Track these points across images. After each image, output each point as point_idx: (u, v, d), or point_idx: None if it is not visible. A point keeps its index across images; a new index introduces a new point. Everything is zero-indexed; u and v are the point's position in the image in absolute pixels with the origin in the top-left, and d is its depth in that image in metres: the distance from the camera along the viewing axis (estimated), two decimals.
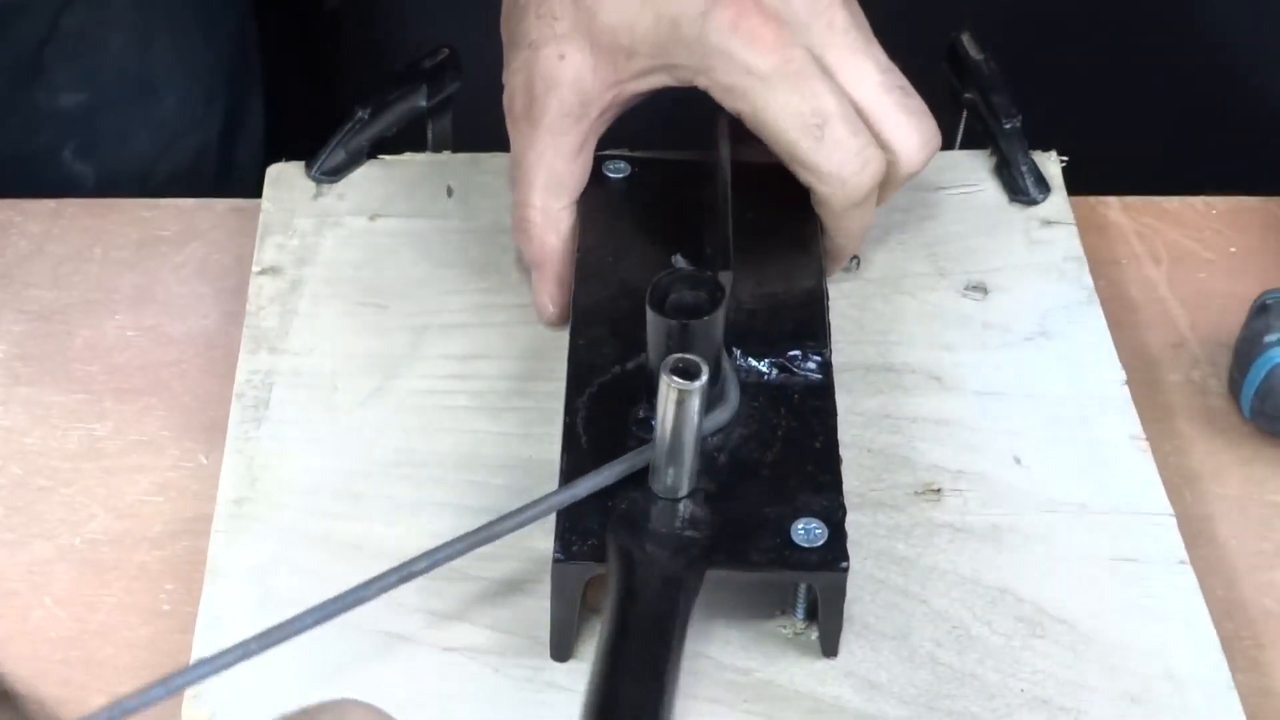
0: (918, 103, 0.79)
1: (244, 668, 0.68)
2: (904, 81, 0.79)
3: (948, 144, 0.92)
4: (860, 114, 0.77)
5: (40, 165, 0.97)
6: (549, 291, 0.81)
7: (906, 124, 0.78)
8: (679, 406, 0.65)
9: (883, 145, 0.77)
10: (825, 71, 0.76)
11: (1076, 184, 0.90)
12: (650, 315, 0.68)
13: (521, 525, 0.68)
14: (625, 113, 0.85)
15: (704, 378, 0.65)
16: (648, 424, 0.70)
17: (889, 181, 0.79)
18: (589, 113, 0.79)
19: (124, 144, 0.92)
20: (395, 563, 0.72)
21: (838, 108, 0.76)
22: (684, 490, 0.68)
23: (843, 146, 0.76)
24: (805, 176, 0.78)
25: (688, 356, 0.65)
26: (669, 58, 0.77)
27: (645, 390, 0.70)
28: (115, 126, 0.97)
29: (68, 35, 0.95)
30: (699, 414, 0.66)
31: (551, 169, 0.80)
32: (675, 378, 0.65)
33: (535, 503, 0.68)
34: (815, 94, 0.76)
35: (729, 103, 0.77)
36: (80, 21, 0.96)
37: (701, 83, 0.77)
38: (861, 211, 0.79)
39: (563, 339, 0.76)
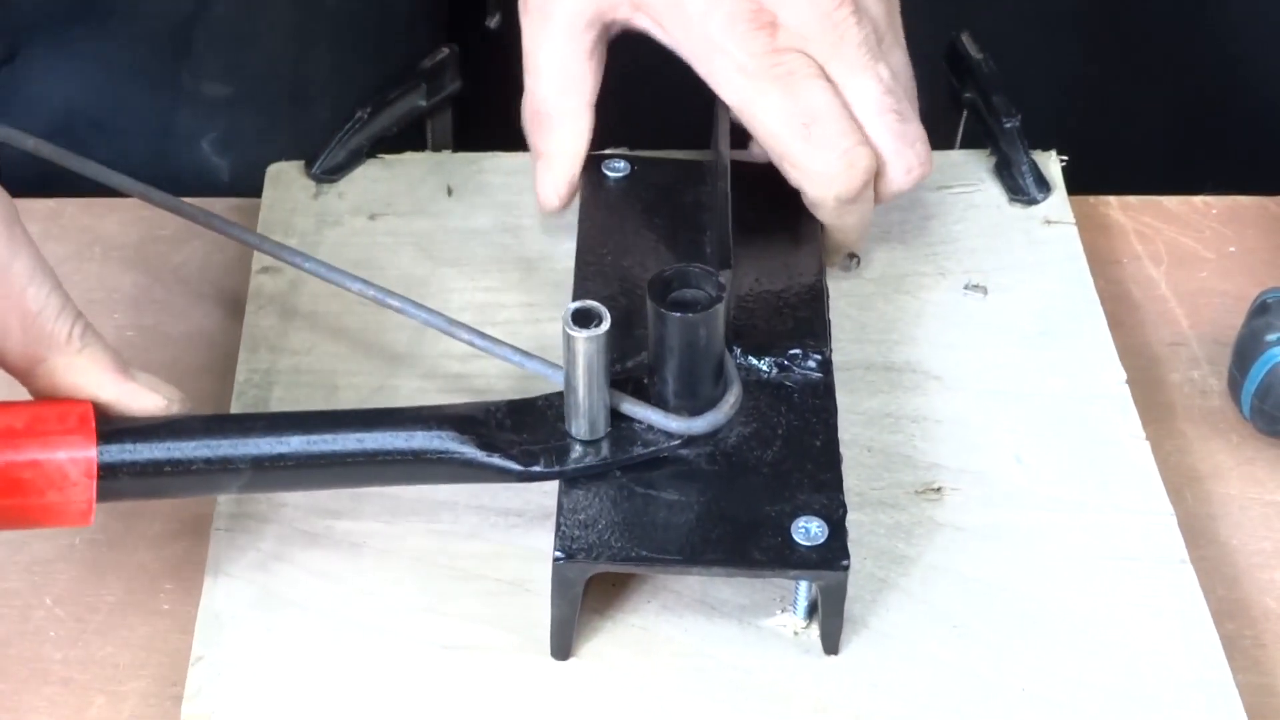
0: (915, 128, 0.79)
1: (244, 669, 0.69)
2: (904, 105, 0.79)
3: (948, 144, 0.93)
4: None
5: (177, 149, 0.97)
6: (554, 185, 0.82)
7: (896, 147, 0.78)
8: (577, 354, 0.67)
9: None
10: (825, 78, 0.76)
11: (1076, 183, 0.90)
12: (651, 309, 0.68)
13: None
14: (625, 113, 0.85)
15: (604, 325, 0.67)
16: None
17: (877, 194, 0.79)
18: (601, 18, 0.80)
19: (267, 146, 0.91)
20: (395, 561, 0.72)
21: (827, 108, 0.76)
22: (599, 434, 0.70)
23: (830, 146, 0.77)
24: (794, 175, 0.78)
25: (590, 303, 0.67)
26: (673, 13, 0.78)
27: (646, 388, 0.71)
28: (258, 127, 0.96)
29: (219, 20, 0.94)
30: (602, 360, 0.67)
31: (565, 66, 0.80)
32: (574, 326, 0.67)
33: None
34: (805, 95, 0.76)
35: (720, 93, 0.77)
36: (232, 9, 0.95)
37: (697, 67, 0.78)
38: (856, 210, 0.79)
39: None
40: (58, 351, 0.66)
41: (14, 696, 0.70)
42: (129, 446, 0.66)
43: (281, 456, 0.68)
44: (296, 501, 0.74)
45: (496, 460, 0.69)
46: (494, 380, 0.79)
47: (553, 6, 0.80)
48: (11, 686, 0.71)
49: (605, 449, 0.70)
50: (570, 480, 0.69)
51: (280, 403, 0.78)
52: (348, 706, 0.68)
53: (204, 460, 0.67)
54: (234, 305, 0.84)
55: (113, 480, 0.66)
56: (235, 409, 0.78)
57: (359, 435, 0.68)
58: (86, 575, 0.74)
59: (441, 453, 0.69)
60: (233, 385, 0.79)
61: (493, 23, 0.87)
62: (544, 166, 0.82)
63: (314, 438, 0.68)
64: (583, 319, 0.67)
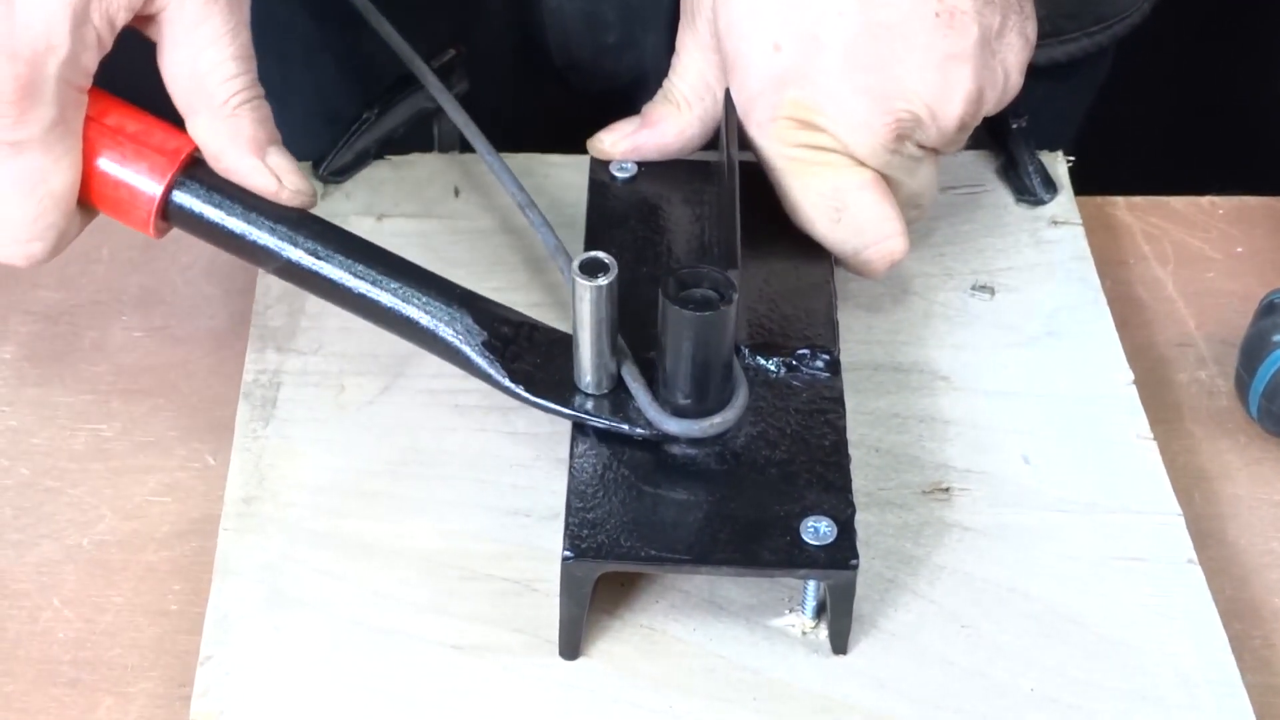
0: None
1: (252, 668, 0.69)
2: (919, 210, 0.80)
3: None
4: None
5: None
6: (629, 142, 0.84)
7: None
8: (583, 301, 0.68)
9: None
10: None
11: (1083, 184, 0.90)
12: (664, 305, 0.68)
13: None
14: (630, 114, 0.85)
15: (611, 274, 0.68)
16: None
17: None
18: None
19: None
20: (403, 561, 0.72)
21: (858, 191, 0.77)
22: (605, 388, 0.71)
23: (861, 232, 0.78)
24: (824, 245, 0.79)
25: (597, 254, 0.69)
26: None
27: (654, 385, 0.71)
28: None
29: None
30: (608, 311, 0.69)
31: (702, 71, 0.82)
32: (582, 275, 0.68)
33: None
34: (837, 179, 0.77)
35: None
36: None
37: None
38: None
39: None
40: (208, 111, 0.73)
41: (22, 697, 0.70)
42: (192, 197, 0.74)
43: (314, 272, 0.74)
44: (305, 501, 0.75)
45: (489, 367, 0.72)
46: None
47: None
48: (20, 687, 0.71)
49: (605, 408, 0.71)
50: (577, 430, 0.71)
51: (288, 403, 0.78)
52: (356, 706, 0.68)
53: (250, 241, 0.74)
54: (241, 306, 0.84)
55: (171, 217, 0.74)
56: (242, 409, 0.78)
57: (387, 283, 0.73)
58: (94, 576, 0.74)
59: (443, 338, 0.73)
60: (240, 386, 0.79)
61: None
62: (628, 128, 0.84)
63: (345, 271, 0.74)
64: (591, 269, 0.68)
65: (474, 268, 0.85)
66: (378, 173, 0.90)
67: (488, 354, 0.73)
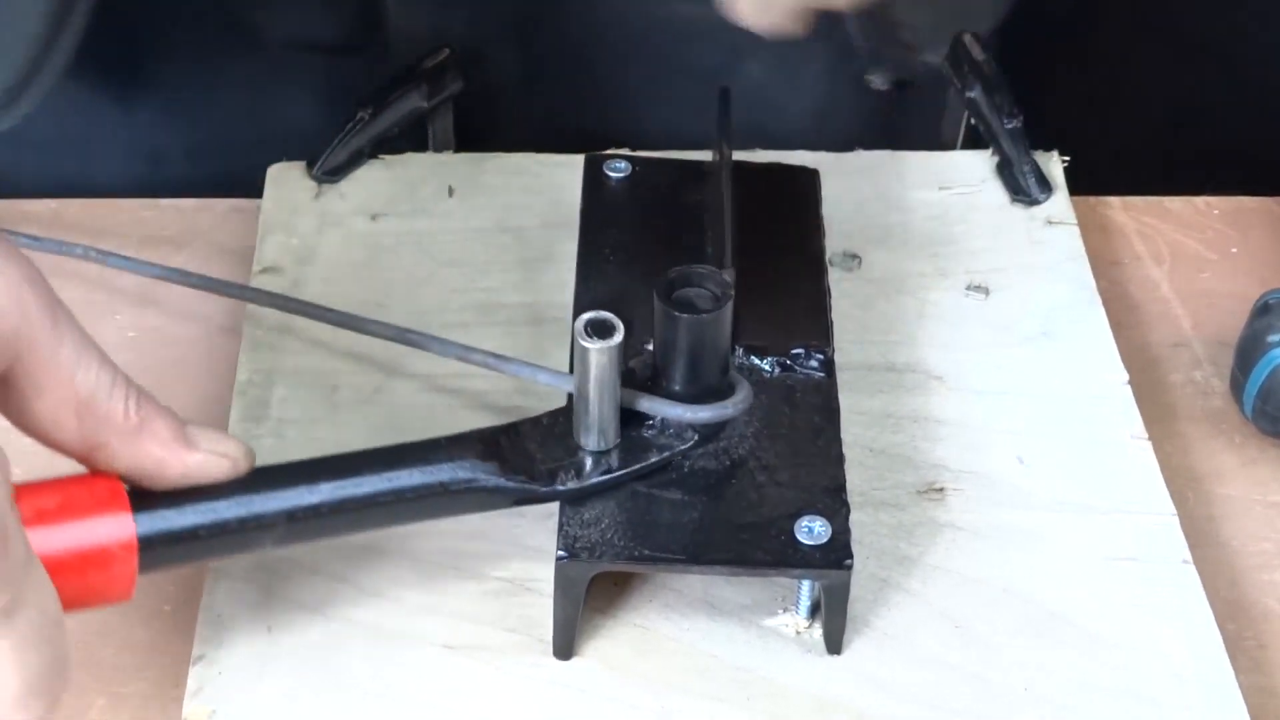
0: None
1: (245, 668, 0.69)
2: None
3: (950, 144, 0.93)
4: None
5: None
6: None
7: None
8: (590, 365, 0.66)
9: None
10: None
11: (1078, 184, 0.90)
12: (658, 308, 0.68)
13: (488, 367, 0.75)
14: (626, 112, 0.85)
15: (618, 336, 0.66)
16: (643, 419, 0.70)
17: None
18: None
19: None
20: (396, 560, 0.72)
21: None
22: (610, 444, 0.69)
23: None
24: None
25: (603, 314, 0.66)
26: None
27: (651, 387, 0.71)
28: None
29: None
30: (616, 370, 0.67)
31: None
32: (588, 337, 0.66)
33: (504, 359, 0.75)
34: None
35: None
36: None
37: None
38: None
39: (565, 338, 0.76)
40: (115, 433, 0.61)
41: None
42: (163, 514, 0.62)
43: (314, 506, 0.65)
44: None
45: (522, 483, 0.68)
46: (495, 380, 0.79)
47: None
48: None
49: (616, 459, 0.69)
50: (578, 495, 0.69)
51: (281, 402, 0.78)
52: (349, 706, 0.68)
53: (238, 520, 0.63)
54: (235, 305, 0.84)
55: (152, 551, 0.62)
56: (236, 408, 0.78)
57: (387, 475, 0.66)
58: None
59: (469, 482, 0.67)
60: (233, 385, 0.79)
61: None
62: None
63: (343, 482, 0.65)
64: (597, 330, 0.66)
65: (467, 268, 0.85)
66: (372, 172, 0.90)
67: (510, 475, 0.68)
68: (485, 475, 0.67)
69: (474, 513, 0.69)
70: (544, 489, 0.68)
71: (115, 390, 0.60)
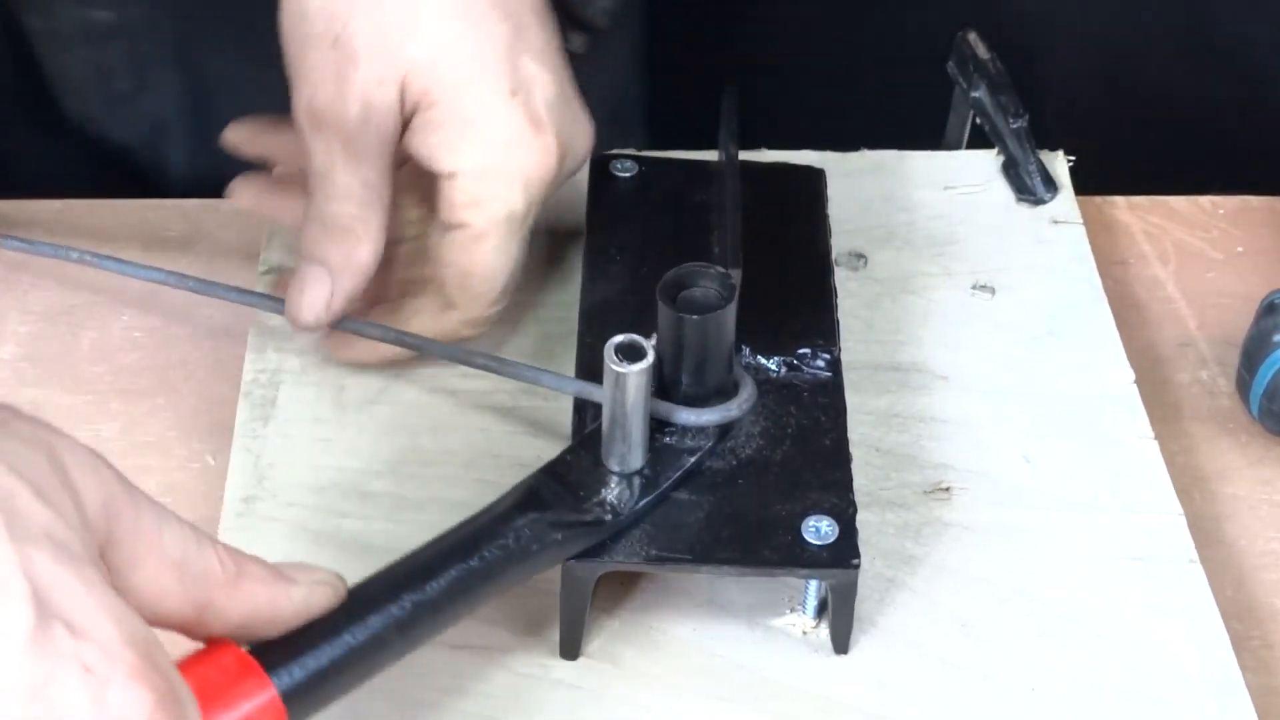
0: None
1: None
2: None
3: (955, 143, 0.93)
4: None
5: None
6: (329, 299, 0.76)
7: None
8: (627, 389, 0.66)
9: None
10: None
11: (1084, 183, 0.90)
12: (662, 309, 0.68)
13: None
14: (630, 113, 0.84)
15: (649, 358, 0.65)
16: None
17: None
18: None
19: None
20: None
21: None
22: (632, 467, 0.68)
23: None
24: None
25: (635, 338, 0.66)
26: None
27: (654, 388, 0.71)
28: None
29: None
30: (647, 392, 0.66)
31: (368, 182, 0.76)
32: (618, 359, 0.65)
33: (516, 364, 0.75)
34: None
35: None
36: None
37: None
38: None
39: (572, 337, 0.76)
40: (218, 586, 0.58)
41: None
42: (295, 665, 0.59)
43: (423, 605, 0.63)
44: (305, 501, 0.74)
45: (580, 530, 0.67)
46: (498, 379, 0.79)
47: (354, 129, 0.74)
48: None
49: (651, 474, 0.69)
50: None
51: (288, 403, 0.78)
52: (354, 705, 0.67)
53: (362, 645, 0.61)
54: (240, 306, 0.84)
55: (297, 702, 0.59)
56: (242, 409, 0.78)
57: (478, 558, 0.64)
58: None
59: (541, 539, 0.66)
60: (239, 385, 0.79)
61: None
62: (319, 277, 0.76)
63: (443, 579, 0.63)
64: (626, 354, 0.66)
65: None
66: None
67: (577, 517, 0.67)
68: (555, 532, 0.66)
69: (547, 569, 0.67)
70: (595, 523, 0.67)
71: (203, 544, 0.58)
